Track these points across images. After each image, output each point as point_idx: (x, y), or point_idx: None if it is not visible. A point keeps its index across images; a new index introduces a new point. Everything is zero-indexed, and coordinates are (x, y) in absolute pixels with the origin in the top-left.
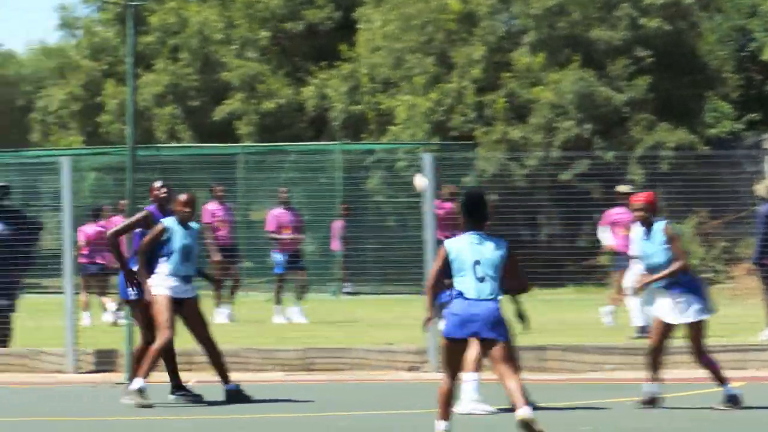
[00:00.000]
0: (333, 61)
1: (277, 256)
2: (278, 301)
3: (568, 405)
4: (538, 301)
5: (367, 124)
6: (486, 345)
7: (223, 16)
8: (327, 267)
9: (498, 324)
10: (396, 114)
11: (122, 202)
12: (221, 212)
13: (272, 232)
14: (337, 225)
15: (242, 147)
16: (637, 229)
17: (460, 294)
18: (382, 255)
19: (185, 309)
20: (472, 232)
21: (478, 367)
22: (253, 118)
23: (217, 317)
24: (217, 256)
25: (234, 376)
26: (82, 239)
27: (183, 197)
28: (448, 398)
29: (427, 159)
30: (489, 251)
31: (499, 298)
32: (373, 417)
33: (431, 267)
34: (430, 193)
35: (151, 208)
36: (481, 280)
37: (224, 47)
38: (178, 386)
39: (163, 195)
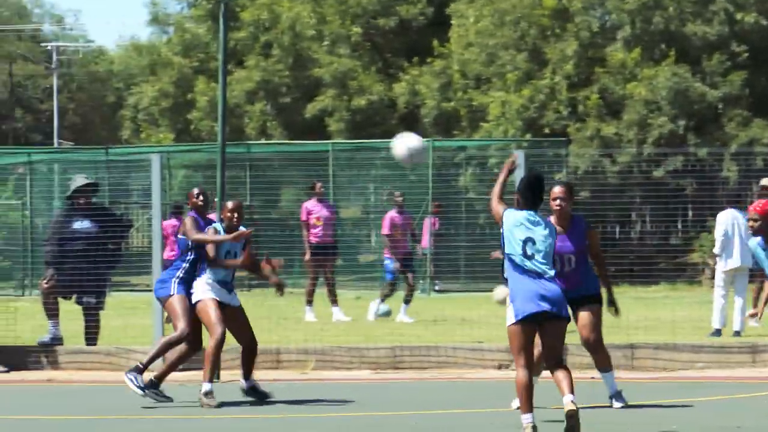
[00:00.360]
0: (425, 57)
1: (389, 263)
2: (383, 300)
3: (658, 403)
4: (630, 299)
5: (458, 120)
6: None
7: (315, 12)
8: (417, 265)
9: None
10: (488, 110)
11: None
12: (319, 209)
13: (387, 235)
14: (428, 223)
15: (332, 144)
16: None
17: (516, 266)
18: (473, 253)
19: (228, 316)
20: (528, 211)
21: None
22: (344, 115)
23: (307, 315)
24: (306, 255)
25: (322, 374)
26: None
27: (230, 204)
28: (528, 390)
29: (519, 156)
30: (540, 233)
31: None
32: (460, 416)
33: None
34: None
35: (193, 213)
36: (531, 257)
37: (316, 43)
38: (159, 380)
39: (200, 203)
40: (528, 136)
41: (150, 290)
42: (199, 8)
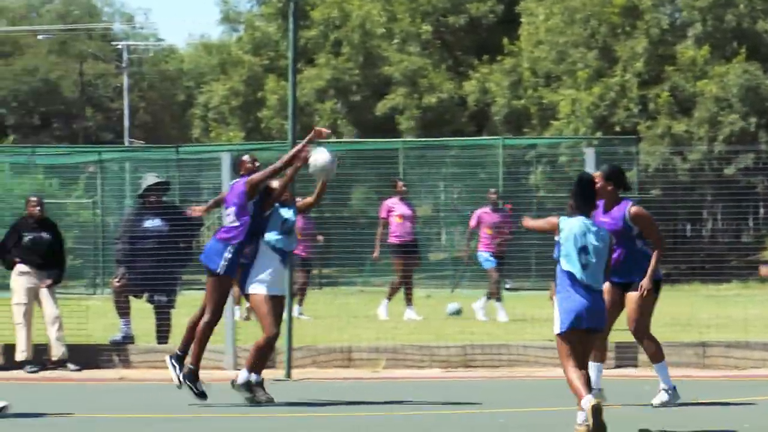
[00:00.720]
0: (495, 55)
1: (483, 254)
2: (498, 298)
3: (730, 401)
4: (702, 297)
5: (529, 118)
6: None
7: (385, 9)
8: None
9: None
10: (558, 108)
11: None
12: (400, 208)
13: (473, 230)
14: None
15: (402, 142)
16: None
17: (568, 275)
18: (544, 251)
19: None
20: (582, 217)
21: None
22: (414, 113)
23: (381, 310)
24: (375, 252)
25: (392, 372)
26: None
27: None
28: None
29: (589, 154)
30: (594, 239)
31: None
32: (532, 414)
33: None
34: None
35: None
36: (585, 267)
37: (385, 41)
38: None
39: (256, 166)
40: (598, 134)
41: None
42: (269, 6)
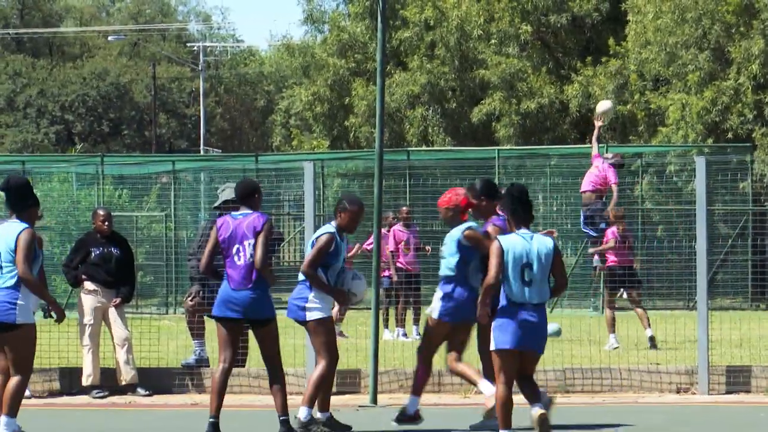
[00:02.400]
0: (599, 56)
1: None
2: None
3: None
4: None
5: (635, 125)
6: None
7: (483, 9)
8: (588, 281)
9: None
10: (667, 114)
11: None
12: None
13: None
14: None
15: (499, 150)
16: None
17: (506, 297)
18: (651, 267)
19: None
20: (522, 230)
21: None
22: (513, 119)
23: None
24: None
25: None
26: None
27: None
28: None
29: (700, 163)
30: (536, 250)
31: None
32: None
33: (493, 269)
34: (704, 199)
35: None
36: (529, 283)
37: (483, 43)
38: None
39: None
40: (710, 142)
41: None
42: (357, 5)
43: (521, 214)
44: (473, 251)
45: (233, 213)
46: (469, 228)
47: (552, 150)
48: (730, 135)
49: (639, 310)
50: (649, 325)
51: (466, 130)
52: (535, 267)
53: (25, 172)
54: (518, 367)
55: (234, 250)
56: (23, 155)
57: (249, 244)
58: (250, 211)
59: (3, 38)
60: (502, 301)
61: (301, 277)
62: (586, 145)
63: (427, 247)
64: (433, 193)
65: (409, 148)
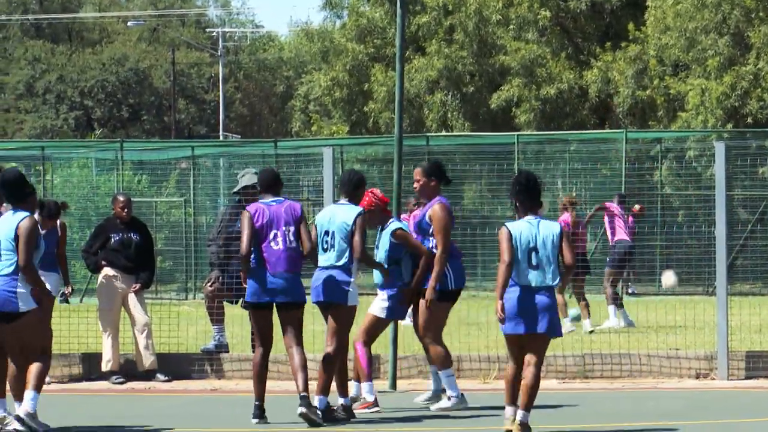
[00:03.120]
0: (619, 41)
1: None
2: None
3: None
4: None
5: (655, 110)
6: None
7: None
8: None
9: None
10: (687, 99)
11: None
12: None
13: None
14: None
15: (518, 136)
16: None
17: (515, 281)
18: (670, 252)
19: None
20: (529, 217)
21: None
22: (533, 105)
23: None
24: None
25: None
26: None
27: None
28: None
29: (719, 148)
30: (543, 234)
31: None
32: (656, 428)
33: (505, 253)
34: (723, 185)
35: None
36: (536, 267)
37: (501, 28)
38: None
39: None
40: (729, 127)
41: None
42: None
43: (528, 201)
44: (401, 248)
45: (263, 200)
46: (399, 228)
47: (571, 135)
48: (749, 120)
49: (582, 302)
50: (589, 315)
51: (486, 116)
52: (541, 251)
53: (45, 158)
54: (526, 348)
55: (272, 235)
56: (43, 141)
57: (289, 230)
58: (282, 198)
59: (22, 24)
60: (510, 286)
61: (342, 261)
62: (606, 130)
63: None
64: (454, 178)
65: (429, 134)
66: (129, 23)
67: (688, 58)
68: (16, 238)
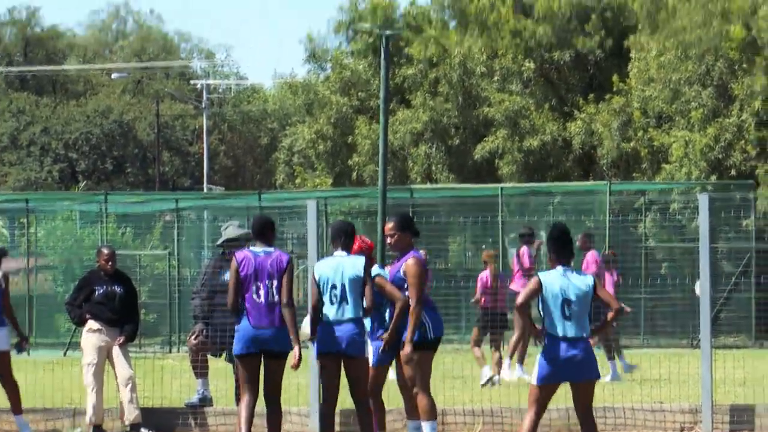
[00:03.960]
0: (603, 93)
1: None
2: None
3: None
4: None
5: (639, 162)
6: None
7: (486, 46)
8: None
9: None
10: (670, 151)
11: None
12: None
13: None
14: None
15: (502, 188)
16: None
17: (550, 332)
18: (654, 305)
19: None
20: (562, 268)
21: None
22: (516, 156)
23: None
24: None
25: None
26: None
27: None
28: None
29: (703, 200)
30: (576, 286)
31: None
32: None
33: (520, 296)
34: (707, 237)
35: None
36: (569, 318)
37: (486, 80)
38: None
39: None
40: (713, 179)
41: (305, 347)
42: (359, 43)
43: (560, 252)
44: (381, 296)
45: (253, 249)
46: (378, 275)
47: (555, 187)
48: (733, 172)
49: (495, 354)
50: (499, 372)
51: (470, 168)
52: (574, 302)
53: (30, 210)
54: (574, 399)
55: (254, 287)
56: (27, 193)
57: (272, 283)
58: (272, 249)
59: (7, 76)
60: (546, 339)
61: (358, 314)
62: (589, 182)
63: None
64: (437, 231)
65: (413, 186)
66: (113, 75)
67: (671, 110)
68: None
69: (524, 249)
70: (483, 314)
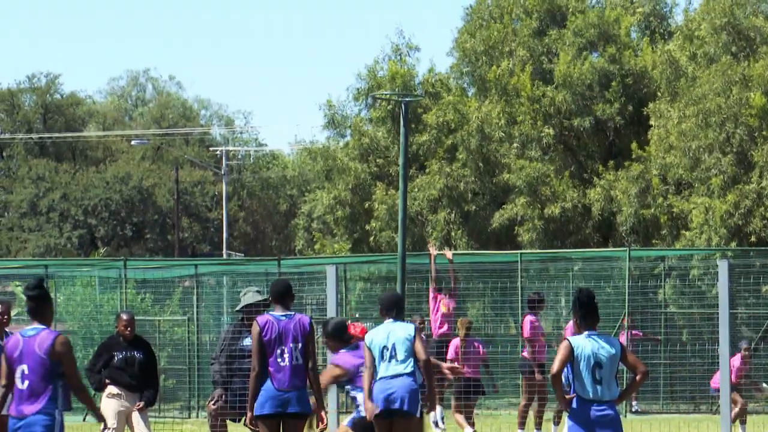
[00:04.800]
0: (622, 160)
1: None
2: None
3: None
4: None
5: (658, 228)
6: None
7: (504, 112)
8: None
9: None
10: (690, 218)
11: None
12: (539, 325)
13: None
14: (623, 338)
15: (521, 254)
16: None
17: (579, 396)
18: (674, 371)
19: None
20: (589, 332)
21: None
22: (536, 224)
23: None
24: (537, 375)
25: None
26: None
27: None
28: None
29: (722, 266)
30: (605, 350)
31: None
32: None
33: (555, 363)
34: (726, 302)
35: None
36: (600, 381)
37: (504, 146)
38: None
39: None
40: (733, 245)
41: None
42: (378, 110)
43: (588, 317)
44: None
45: (274, 314)
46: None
47: (574, 254)
48: (753, 238)
49: (470, 420)
50: None
51: (489, 234)
52: (604, 366)
53: (49, 276)
54: None
55: (279, 351)
56: (46, 259)
57: (297, 346)
58: (292, 313)
59: (26, 143)
60: (574, 402)
61: (410, 368)
62: (609, 248)
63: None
64: (457, 297)
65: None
66: (133, 142)
67: (691, 177)
68: None
69: (528, 318)
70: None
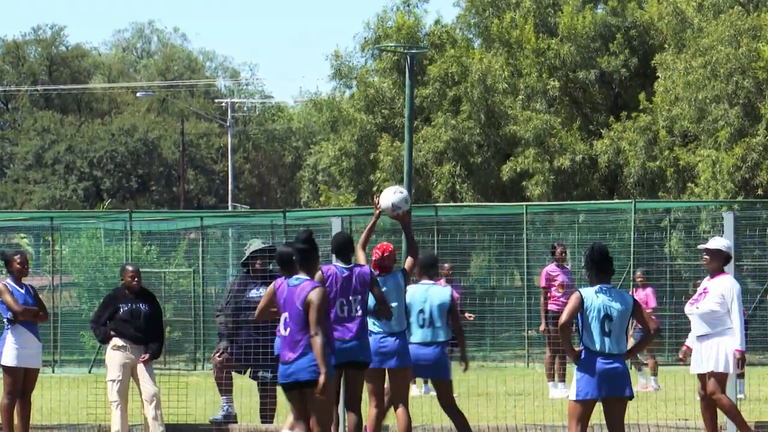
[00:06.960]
0: (629, 112)
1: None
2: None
3: None
4: None
5: (664, 181)
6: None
7: (508, 63)
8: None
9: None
10: (697, 170)
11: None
12: (559, 275)
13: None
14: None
15: (526, 206)
16: None
17: (587, 347)
18: (680, 323)
19: None
20: (601, 285)
21: None
22: (545, 176)
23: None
24: (542, 325)
25: None
26: None
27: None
28: None
29: (728, 218)
30: (616, 304)
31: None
32: None
33: (564, 314)
34: (732, 255)
35: None
36: (608, 333)
37: (508, 98)
38: None
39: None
40: (740, 198)
41: None
42: (384, 61)
43: (599, 272)
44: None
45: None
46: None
47: (580, 206)
48: (760, 191)
49: None
50: None
51: (494, 187)
52: (614, 319)
53: (54, 228)
54: (606, 417)
55: (339, 303)
56: (52, 211)
57: (357, 298)
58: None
59: (32, 95)
60: (583, 353)
61: (445, 338)
62: (614, 201)
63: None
64: (462, 249)
65: (437, 204)
66: (138, 94)
67: (698, 129)
68: None
69: (545, 269)
70: None
